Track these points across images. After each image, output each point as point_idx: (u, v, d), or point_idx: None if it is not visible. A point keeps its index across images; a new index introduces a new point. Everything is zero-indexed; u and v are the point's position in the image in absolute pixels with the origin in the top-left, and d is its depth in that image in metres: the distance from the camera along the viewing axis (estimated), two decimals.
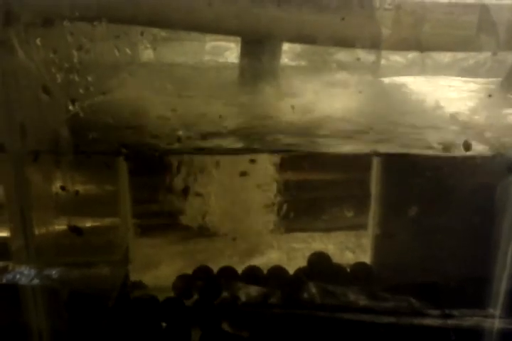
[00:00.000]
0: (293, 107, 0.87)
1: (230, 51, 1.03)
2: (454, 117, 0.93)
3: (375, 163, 1.14)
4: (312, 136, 0.85)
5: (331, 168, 1.13)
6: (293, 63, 1.00)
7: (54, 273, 0.87)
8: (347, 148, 0.84)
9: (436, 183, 0.96)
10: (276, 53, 0.92)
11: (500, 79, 0.94)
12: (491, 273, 0.87)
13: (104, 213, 1.05)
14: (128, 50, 0.88)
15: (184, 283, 1.05)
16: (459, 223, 0.95)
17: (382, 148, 0.85)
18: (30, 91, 0.73)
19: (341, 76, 0.96)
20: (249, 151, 0.85)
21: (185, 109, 0.88)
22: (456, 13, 0.81)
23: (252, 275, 1.10)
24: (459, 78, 1.04)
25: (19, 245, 0.82)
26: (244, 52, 0.91)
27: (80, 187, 0.84)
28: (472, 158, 0.83)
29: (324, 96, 0.94)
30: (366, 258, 1.19)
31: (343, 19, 0.77)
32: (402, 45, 0.85)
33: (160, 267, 1.13)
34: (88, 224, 0.93)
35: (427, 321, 0.93)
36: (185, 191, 0.98)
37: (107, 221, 1.07)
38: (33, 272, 0.84)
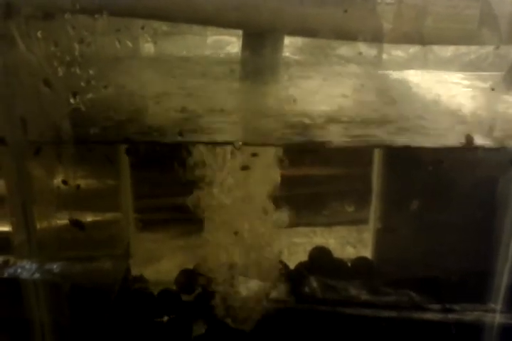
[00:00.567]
0: (295, 100, 0.87)
1: (231, 45, 1.03)
2: (456, 110, 0.93)
3: (377, 157, 1.14)
4: (314, 129, 0.85)
5: (333, 162, 1.13)
6: (295, 57, 1.00)
7: (55, 267, 0.87)
8: (347, 141, 0.84)
9: (437, 177, 0.96)
10: (278, 47, 0.91)
11: (502, 72, 0.94)
12: (492, 267, 0.87)
13: (106, 207, 1.05)
14: (129, 43, 0.88)
15: (186, 278, 1.06)
16: (460, 217, 0.95)
17: (384, 142, 0.85)
18: (32, 85, 0.73)
19: (343, 69, 0.96)
20: (251, 145, 0.85)
21: (187, 103, 0.87)
22: (458, 6, 0.81)
23: None
24: (461, 72, 1.04)
25: (21, 239, 0.82)
26: (246, 46, 0.91)
27: (81, 181, 0.84)
28: (474, 151, 0.82)
29: (326, 89, 0.94)
30: (367, 252, 1.19)
31: (345, 11, 0.77)
32: (404, 38, 0.85)
33: (161, 261, 1.13)
34: (90, 218, 0.93)
35: (428, 315, 0.94)
36: (187, 185, 0.98)
37: (109, 215, 1.08)
38: (34, 266, 0.84)
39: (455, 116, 0.91)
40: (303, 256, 1.12)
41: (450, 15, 0.81)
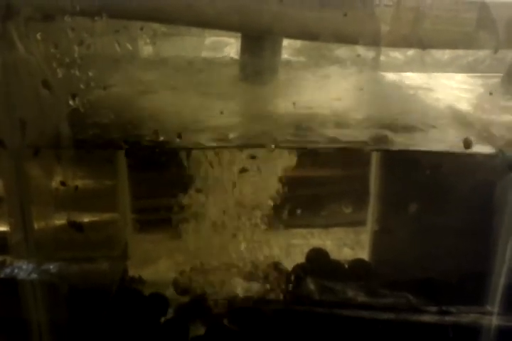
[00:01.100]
0: (294, 103, 0.87)
1: (229, 46, 1.02)
2: (454, 114, 0.93)
3: (375, 158, 1.14)
4: (312, 131, 0.85)
5: (330, 164, 1.13)
6: (293, 59, 1.00)
7: (53, 267, 0.87)
8: (346, 142, 0.84)
9: (435, 180, 0.96)
10: (276, 49, 0.91)
11: (500, 76, 0.94)
12: (489, 270, 0.88)
13: (104, 208, 1.05)
14: (128, 45, 0.88)
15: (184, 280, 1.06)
16: (458, 220, 0.95)
17: (382, 144, 0.85)
18: (31, 86, 0.73)
19: (341, 71, 0.96)
20: (250, 147, 0.85)
21: (186, 105, 0.88)
22: (457, 10, 0.81)
23: None
24: (460, 75, 1.05)
25: (18, 239, 0.81)
26: (245, 48, 0.91)
27: (79, 182, 0.84)
28: (472, 155, 0.83)
29: (325, 91, 0.94)
30: (365, 254, 1.19)
31: (345, 15, 0.77)
32: (402, 42, 0.85)
33: (159, 262, 1.13)
34: (87, 219, 0.93)
35: (425, 317, 0.94)
36: (185, 187, 0.98)
37: (106, 216, 1.07)
38: (31, 266, 0.84)
39: (453, 119, 0.91)
40: (300, 258, 1.12)
41: (448, 19, 0.82)
